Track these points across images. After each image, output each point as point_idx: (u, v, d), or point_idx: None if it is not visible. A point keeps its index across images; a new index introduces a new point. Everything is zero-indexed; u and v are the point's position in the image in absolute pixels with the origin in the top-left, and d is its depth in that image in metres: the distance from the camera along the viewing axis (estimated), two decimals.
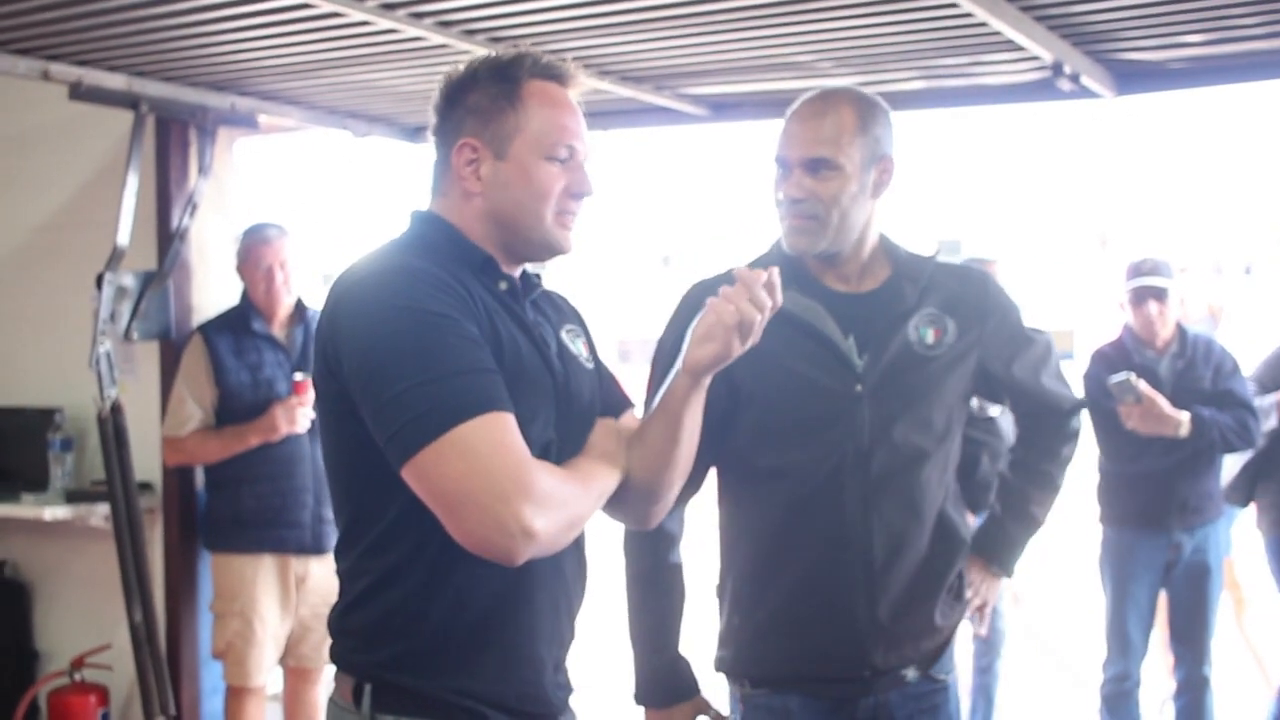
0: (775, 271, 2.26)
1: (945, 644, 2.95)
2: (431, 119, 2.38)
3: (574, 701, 2.45)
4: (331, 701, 2.32)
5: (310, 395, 4.90)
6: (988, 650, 5.76)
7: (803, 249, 2.82)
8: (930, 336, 2.84)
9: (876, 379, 2.78)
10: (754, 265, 2.83)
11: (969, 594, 3.06)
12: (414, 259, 2.22)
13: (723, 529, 2.95)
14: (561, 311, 2.51)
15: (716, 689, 2.96)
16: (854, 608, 2.79)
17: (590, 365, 2.46)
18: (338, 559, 2.33)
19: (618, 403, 2.51)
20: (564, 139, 2.31)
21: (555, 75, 2.34)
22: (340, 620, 2.30)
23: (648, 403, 2.76)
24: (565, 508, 2.13)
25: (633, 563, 2.91)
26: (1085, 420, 3.21)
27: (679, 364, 2.30)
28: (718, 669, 2.95)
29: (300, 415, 4.89)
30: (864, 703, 2.83)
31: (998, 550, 3.11)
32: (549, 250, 2.36)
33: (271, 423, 4.88)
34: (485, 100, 2.29)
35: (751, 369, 2.67)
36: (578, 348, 2.45)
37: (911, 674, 2.87)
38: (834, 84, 2.98)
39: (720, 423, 2.78)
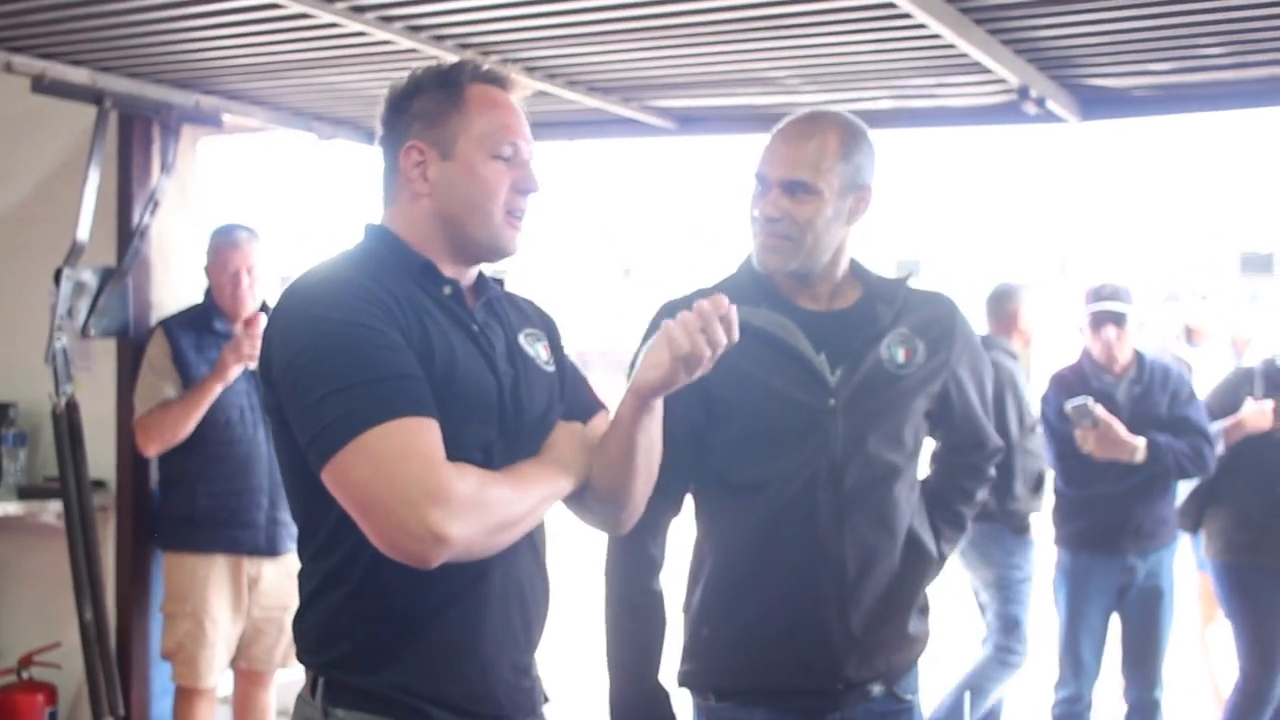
0: (733, 309, 2.24)
1: (913, 661, 2.96)
2: (378, 130, 2.42)
3: (550, 711, 2.47)
4: (299, 696, 2.36)
5: (255, 277, 4.98)
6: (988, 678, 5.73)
7: (774, 267, 2.83)
8: (901, 356, 2.86)
9: (849, 394, 2.80)
10: (724, 283, 2.88)
11: None
12: (348, 272, 2.27)
13: (695, 544, 2.96)
14: (524, 314, 2.53)
15: (680, 705, 2.94)
16: (827, 620, 2.79)
17: (550, 368, 2.48)
18: (299, 557, 2.38)
19: (586, 405, 2.53)
20: (507, 136, 2.35)
21: (496, 80, 2.40)
22: (297, 620, 2.36)
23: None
24: (487, 512, 2.14)
25: (613, 588, 2.90)
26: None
27: (627, 384, 2.31)
28: (681, 683, 2.95)
29: (249, 350, 4.81)
30: (830, 717, 2.84)
31: None
32: (497, 250, 2.39)
33: (222, 365, 4.82)
34: (430, 104, 2.34)
35: (726, 384, 2.71)
36: (536, 350, 2.46)
37: (877, 689, 2.87)
38: (817, 105, 3.00)
39: (696, 440, 2.82)
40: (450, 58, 4.23)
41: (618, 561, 2.87)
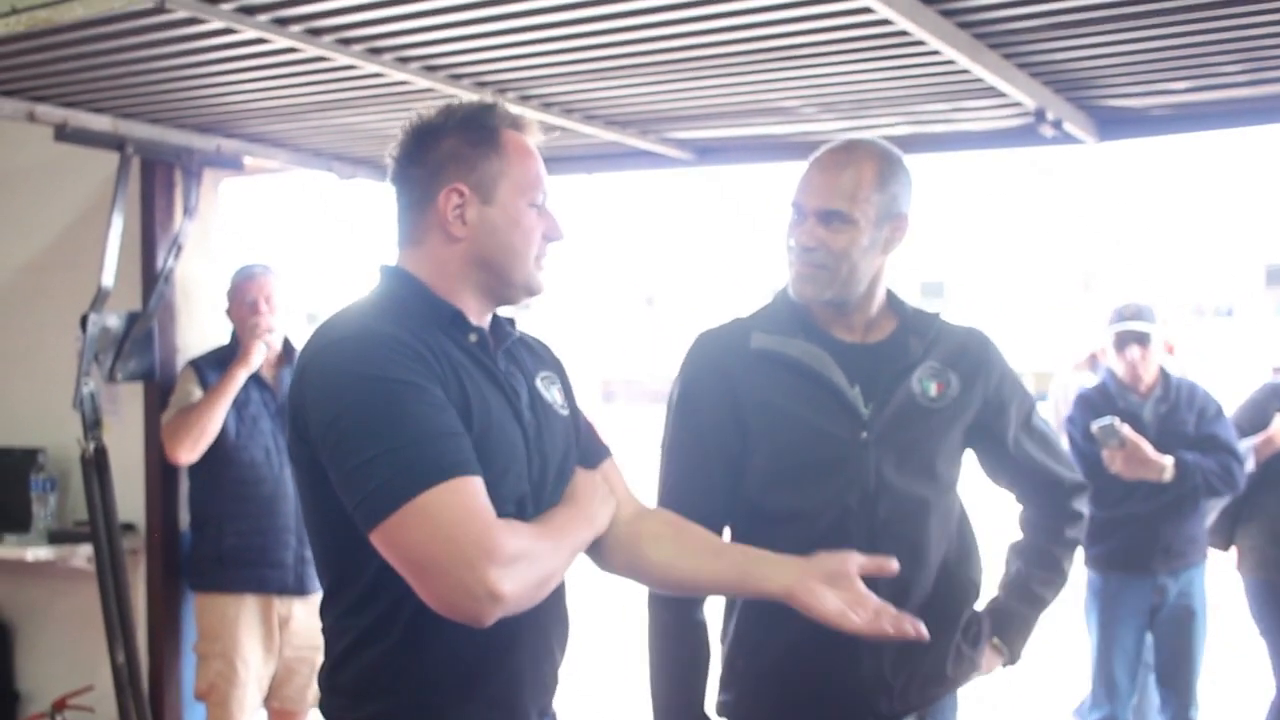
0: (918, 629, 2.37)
1: (950, 693, 2.96)
2: (397, 167, 2.40)
3: None
4: None
5: (274, 307, 5.03)
6: None
7: (809, 296, 2.84)
8: (933, 389, 2.86)
9: (881, 428, 2.80)
10: (760, 313, 2.95)
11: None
12: (380, 323, 2.24)
13: None
14: (538, 357, 2.53)
15: None
16: (858, 655, 2.79)
17: (565, 412, 2.48)
18: (322, 615, 2.35)
19: (594, 452, 2.54)
20: (540, 186, 2.38)
21: (521, 126, 2.41)
22: (328, 678, 2.34)
23: (663, 461, 2.91)
24: (534, 567, 2.14)
25: (656, 618, 2.91)
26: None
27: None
28: (719, 713, 2.95)
29: (265, 329, 4.95)
30: None
31: (1004, 633, 3.08)
32: (528, 291, 2.41)
33: (244, 349, 4.91)
34: (465, 147, 2.33)
35: (760, 414, 2.78)
36: (552, 395, 2.47)
37: None
38: (834, 133, 3.02)
39: (733, 470, 2.84)
40: (468, 96, 4.28)
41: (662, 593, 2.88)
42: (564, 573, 2.28)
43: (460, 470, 2.10)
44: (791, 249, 2.84)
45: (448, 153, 2.33)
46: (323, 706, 2.36)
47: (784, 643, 2.83)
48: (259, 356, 4.92)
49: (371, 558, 2.15)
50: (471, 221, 2.32)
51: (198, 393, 4.97)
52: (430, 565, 2.07)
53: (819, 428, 2.79)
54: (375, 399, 2.12)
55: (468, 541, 2.06)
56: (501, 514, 2.16)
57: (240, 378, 4.89)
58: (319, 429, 2.16)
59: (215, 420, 4.89)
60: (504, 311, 2.47)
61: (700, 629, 2.90)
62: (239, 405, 4.96)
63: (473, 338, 2.33)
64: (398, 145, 2.39)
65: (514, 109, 2.42)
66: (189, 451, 4.94)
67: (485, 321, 2.40)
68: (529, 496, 2.30)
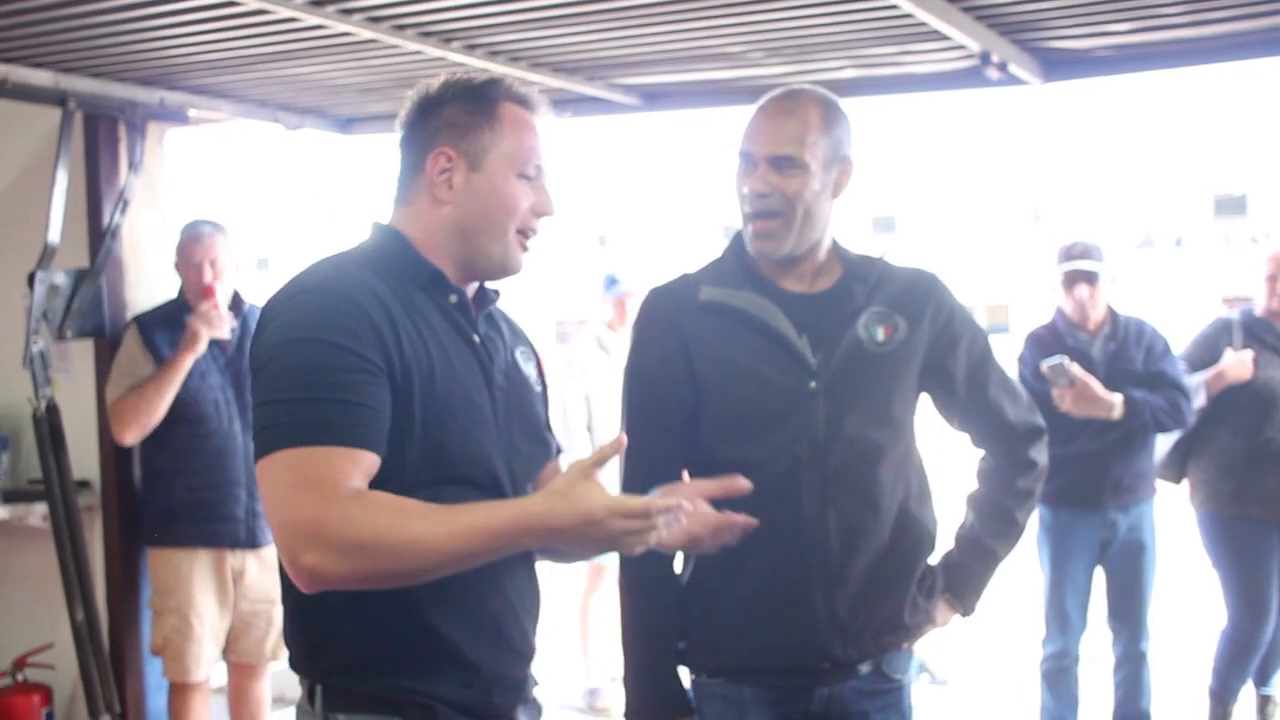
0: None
1: (906, 642, 2.98)
2: (400, 131, 2.45)
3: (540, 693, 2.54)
4: (298, 705, 2.38)
5: (221, 294, 4.95)
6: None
7: (768, 252, 2.86)
8: (880, 334, 2.87)
9: (830, 376, 2.82)
10: (709, 266, 2.96)
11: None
12: (351, 275, 2.27)
13: None
14: (515, 333, 2.59)
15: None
16: (812, 601, 2.82)
17: (539, 389, 2.55)
18: (281, 569, 2.36)
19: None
20: (533, 158, 2.42)
21: (527, 103, 2.45)
22: (286, 627, 2.39)
23: (622, 416, 2.93)
24: (372, 559, 2.07)
25: (627, 572, 2.93)
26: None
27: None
28: (678, 661, 2.98)
29: (215, 317, 4.85)
30: (818, 693, 2.87)
31: (956, 587, 3.09)
32: (504, 268, 2.44)
33: (192, 334, 4.82)
34: (461, 115, 2.39)
35: (710, 366, 2.82)
36: (529, 370, 2.53)
37: (865, 668, 2.90)
38: (780, 77, 3.02)
39: (689, 420, 2.86)
40: (411, 46, 4.28)
41: None
42: (442, 570, 2.14)
43: (337, 440, 2.11)
44: (745, 197, 2.85)
45: (445, 120, 2.39)
46: (290, 657, 2.40)
47: (739, 590, 2.86)
48: (205, 344, 4.86)
49: None
50: (458, 186, 2.37)
51: (141, 358, 4.93)
52: (270, 518, 2.13)
53: (768, 378, 2.82)
54: (297, 354, 2.17)
55: (297, 510, 2.08)
56: (464, 473, 2.23)
57: (187, 363, 4.83)
58: (254, 367, 2.25)
59: (162, 405, 4.86)
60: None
61: (665, 581, 2.92)
62: None
63: (453, 298, 2.38)
64: (404, 112, 2.44)
65: (523, 86, 2.45)
66: (135, 434, 4.94)
67: (468, 289, 2.44)
68: (497, 457, 2.34)
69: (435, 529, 2.08)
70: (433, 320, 2.32)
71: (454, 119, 2.38)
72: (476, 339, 2.39)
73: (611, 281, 6.69)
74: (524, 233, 2.42)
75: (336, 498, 2.08)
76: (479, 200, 2.38)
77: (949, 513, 3.08)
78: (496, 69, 4.65)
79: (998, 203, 41.27)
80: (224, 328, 4.90)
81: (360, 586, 2.13)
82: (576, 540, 2.11)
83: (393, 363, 2.20)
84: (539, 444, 2.52)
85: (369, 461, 2.14)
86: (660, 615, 2.93)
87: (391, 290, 2.27)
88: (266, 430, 2.14)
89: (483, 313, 2.45)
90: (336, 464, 2.11)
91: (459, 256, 2.40)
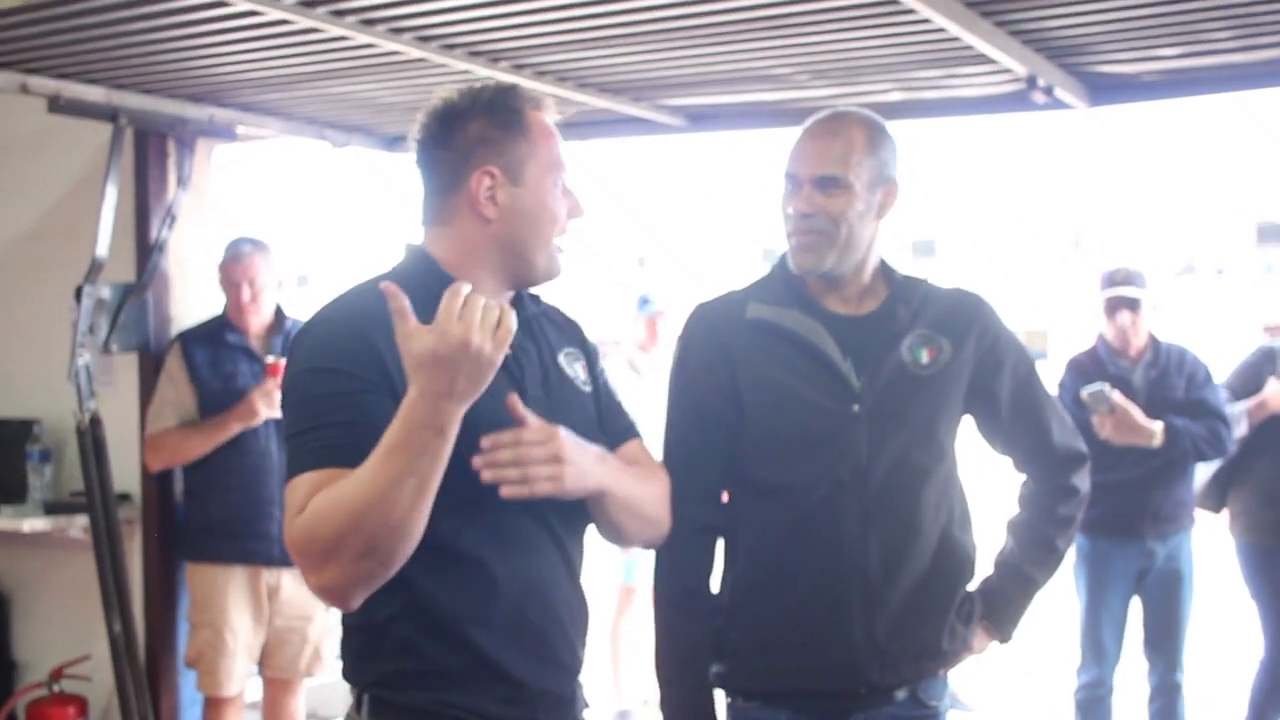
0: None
1: (943, 668, 2.96)
2: (422, 150, 2.43)
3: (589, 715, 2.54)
4: (347, 715, 2.40)
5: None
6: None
7: (809, 267, 2.85)
8: (925, 356, 2.86)
9: (874, 400, 2.81)
10: (756, 284, 2.95)
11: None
12: (363, 306, 2.29)
13: (726, 544, 2.97)
14: (564, 332, 2.58)
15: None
16: (851, 625, 2.80)
17: (587, 389, 2.52)
18: None
19: (621, 431, 2.59)
20: (564, 165, 2.44)
21: (543, 107, 2.46)
22: (342, 639, 2.42)
23: (665, 430, 2.91)
24: (334, 550, 2.10)
25: (659, 591, 2.92)
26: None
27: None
28: (715, 684, 2.96)
29: (277, 398, 4.87)
30: (854, 718, 2.85)
31: (994, 614, 3.06)
32: (549, 274, 2.46)
33: (250, 407, 4.87)
34: (493, 130, 2.38)
35: (754, 385, 2.81)
36: (575, 370, 2.52)
37: (901, 694, 2.88)
38: (825, 99, 3.03)
39: (730, 439, 2.85)
40: (460, 66, 4.31)
41: (662, 564, 2.89)
42: (382, 524, 2.09)
43: (315, 464, 2.17)
44: (789, 218, 2.85)
45: (476, 136, 2.38)
46: (343, 671, 2.43)
47: (777, 613, 2.85)
48: (260, 420, 4.91)
49: None
50: (503, 203, 2.37)
51: (181, 378, 4.98)
52: None
53: (811, 401, 2.81)
54: (300, 385, 2.26)
55: (290, 534, 2.17)
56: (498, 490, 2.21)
57: (234, 430, 4.90)
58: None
59: (198, 454, 4.99)
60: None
61: (701, 600, 2.90)
62: (226, 378, 4.98)
63: None
64: (421, 128, 2.43)
65: (533, 88, 2.46)
66: (162, 467, 5.17)
67: (502, 299, 2.42)
68: None
69: (357, 481, 2.09)
70: None
71: (486, 135, 2.37)
72: (508, 354, 2.31)
73: (644, 302, 6.70)
74: (562, 238, 2.45)
75: (292, 519, 2.15)
76: (525, 214, 2.39)
77: (988, 538, 3.06)
78: (544, 89, 4.67)
79: (1038, 228, 41.09)
80: (268, 312, 5.07)
81: (372, 577, 2.14)
82: (463, 376, 2.05)
83: (395, 385, 2.19)
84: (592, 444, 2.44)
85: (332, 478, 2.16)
86: (692, 633, 2.91)
87: (411, 311, 2.23)
88: (288, 463, 2.24)
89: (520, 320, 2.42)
90: (309, 487, 2.16)
91: (503, 269, 2.41)
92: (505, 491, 2.21)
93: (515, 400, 2.22)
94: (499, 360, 2.09)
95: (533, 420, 2.26)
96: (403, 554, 2.13)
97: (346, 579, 2.13)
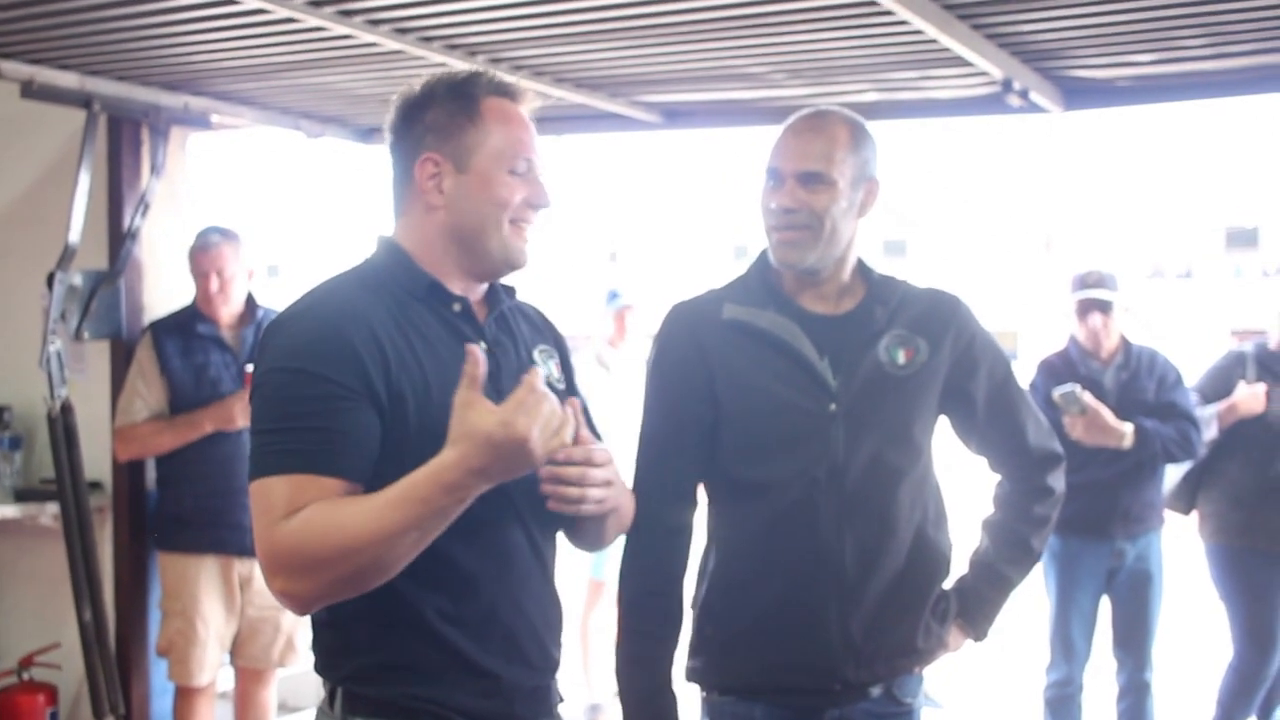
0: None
1: (918, 666, 2.98)
2: (387, 138, 2.42)
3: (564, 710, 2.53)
4: (319, 708, 2.39)
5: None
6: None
7: (792, 262, 2.86)
8: (901, 356, 2.87)
9: (850, 399, 2.82)
10: (733, 284, 2.95)
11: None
12: (340, 299, 2.29)
13: (706, 542, 2.98)
14: (537, 329, 2.55)
15: (688, 700, 2.96)
16: (826, 622, 2.82)
17: (560, 387, 2.48)
18: None
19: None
20: (522, 152, 2.37)
21: (510, 93, 2.40)
22: (314, 635, 2.39)
23: (640, 430, 2.91)
24: (315, 568, 2.11)
25: (625, 587, 2.92)
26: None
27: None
28: (688, 679, 2.97)
29: (237, 408, 4.88)
30: (829, 714, 2.87)
31: (969, 613, 3.08)
32: (507, 263, 2.40)
33: (228, 413, 4.87)
34: (444, 117, 2.35)
35: (731, 386, 2.82)
36: (549, 368, 2.48)
37: (876, 691, 2.90)
38: (801, 99, 3.04)
39: (706, 438, 2.86)
40: (438, 59, 4.30)
41: (629, 563, 2.90)
42: (386, 560, 2.12)
43: (292, 468, 2.15)
44: (771, 213, 2.86)
45: (428, 124, 2.35)
46: (315, 665, 2.41)
47: (753, 609, 2.86)
48: (240, 426, 4.90)
49: None
50: (448, 191, 2.34)
51: (151, 368, 4.98)
52: None
53: (787, 400, 2.82)
54: (274, 384, 2.23)
55: (258, 540, 2.16)
56: None
57: (207, 430, 4.91)
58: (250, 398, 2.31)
59: (168, 450, 5.01)
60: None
61: (667, 599, 2.91)
62: (198, 369, 4.97)
63: (455, 307, 2.35)
64: (389, 117, 2.41)
65: (505, 76, 2.42)
66: (131, 459, 5.19)
67: (475, 292, 2.41)
68: None
69: (365, 515, 2.09)
70: (433, 334, 2.30)
71: (436, 122, 2.35)
72: (483, 346, 2.34)
73: (613, 295, 6.71)
74: (518, 223, 2.37)
75: (276, 524, 2.13)
76: (470, 201, 2.34)
77: (964, 537, 3.07)
78: (521, 83, 4.67)
79: (1009, 230, 41.21)
80: (238, 301, 5.07)
81: (340, 597, 2.16)
82: (504, 464, 2.06)
83: (376, 389, 2.20)
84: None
85: (330, 486, 2.15)
86: (652, 633, 2.91)
87: (388, 309, 2.26)
88: (252, 460, 2.22)
89: (493, 315, 2.42)
90: (287, 491, 2.15)
91: (461, 260, 2.37)
92: (554, 505, 2.25)
93: (474, 350, 2.10)
94: (541, 464, 2.13)
95: (586, 434, 2.29)
96: (378, 583, 2.15)
97: (317, 594, 2.15)
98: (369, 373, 2.19)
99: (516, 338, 2.47)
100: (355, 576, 2.11)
